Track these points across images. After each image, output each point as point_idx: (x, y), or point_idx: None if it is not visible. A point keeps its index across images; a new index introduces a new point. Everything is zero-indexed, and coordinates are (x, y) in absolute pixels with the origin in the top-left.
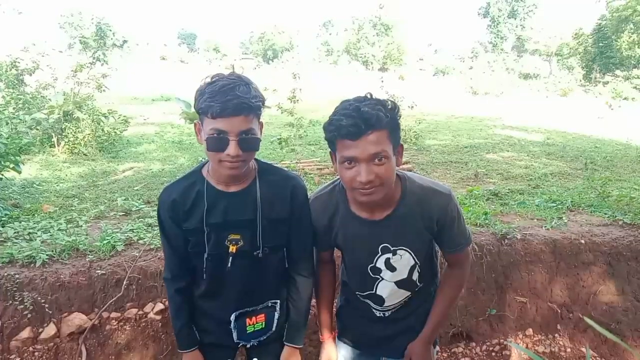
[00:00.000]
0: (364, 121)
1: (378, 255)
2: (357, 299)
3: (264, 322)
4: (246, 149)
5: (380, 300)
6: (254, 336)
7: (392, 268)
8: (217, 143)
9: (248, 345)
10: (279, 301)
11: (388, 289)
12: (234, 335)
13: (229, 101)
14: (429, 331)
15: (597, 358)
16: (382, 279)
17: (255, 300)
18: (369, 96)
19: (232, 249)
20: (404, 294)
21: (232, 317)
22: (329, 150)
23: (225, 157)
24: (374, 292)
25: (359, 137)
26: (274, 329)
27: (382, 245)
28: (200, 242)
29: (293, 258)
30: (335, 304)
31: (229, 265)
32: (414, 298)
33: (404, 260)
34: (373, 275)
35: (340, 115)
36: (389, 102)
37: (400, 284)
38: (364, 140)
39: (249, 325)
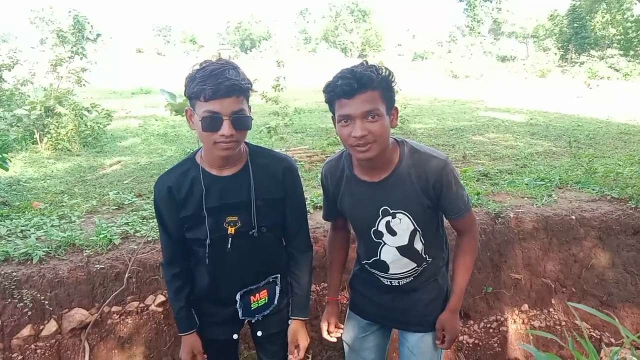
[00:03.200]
0: (356, 80)
1: (379, 218)
2: (367, 269)
3: (266, 298)
4: (239, 127)
5: (384, 266)
6: (258, 311)
7: (392, 232)
8: (211, 123)
9: (253, 321)
10: (279, 275)
11: (391, 255)
12: (240, 312)
13: (220, 83)
14: (455, 300)
15: (590, 330)
16: (385, 243)
17: (258, 278)
18: (364, 63)
19: (231, 230)
20: (408, 263)
21: (238, 297)
22: (331, 115)
23: (219, 137)
24: (378, 257)
25: (352, 95)
26: (275, 302)
27: (382, 208)
28: (199, 228)
29: (290, 235)
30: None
31: (229, 246)
32: (422, 272)
33: (403, 225)
34: (376, 240)
35: (337, 77)
36: (383, 68)
37: (402, 250)
38: (357, 99)
39: (254, 302)
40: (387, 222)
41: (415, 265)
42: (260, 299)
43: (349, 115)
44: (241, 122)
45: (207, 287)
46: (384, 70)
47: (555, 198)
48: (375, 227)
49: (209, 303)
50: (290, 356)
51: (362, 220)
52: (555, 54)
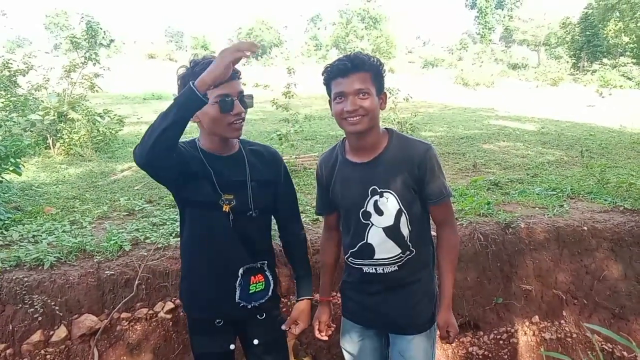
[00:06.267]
0: (350, 62)
1: (368, 198)
2: (353, 268)
3: (263, 283)
4: (246, 106)
5: (371, 251)
6: (255, 298)
7: (379, 211)
8: (227, 105)
9: (249, 306)
10: (266, 262)
11: (377, 237)
12: (237, 294)
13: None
14: (448, 296)
15: (603, 343)
16: (372, 224)
17: (253, 258)
18: (358, 52)
19: (225, 208)
20: (393, 247)
21: (241, 272)
22: (328, 99)
23: (232, 117)
24: (365, 241)
25: (347, 74)
26: (270, 293)
27: (371, 188)
28: (199, 190)
29: (284, 220)
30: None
31: (225, 223)
32: (406, 264)
33: (390, 204)
34: (364, 221)
35: (334, 61)
36: (375, 58)
37: (388, 232)
38: (350, 78)
39: (252, 284)
40: (375, 202)
41: (400, 252)
42: (258, 282)
43: (343, 92)
44: (247, 100)
45: (208, 258)
46: (375, 59)
47: (567, 208)
48: (364, 208)
49: (203, 289)
50: (284, 326)
51: (353, 202)
52: (567, 62)
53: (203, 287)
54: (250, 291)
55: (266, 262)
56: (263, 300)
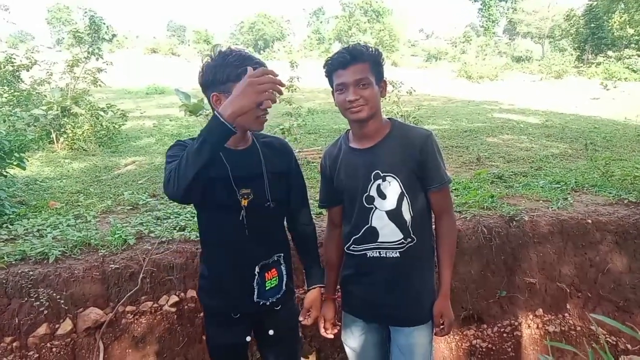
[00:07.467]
0: (349, 53)
1: (371, 182)
2: (354, 257)
3: (276, 278)
4: (274, 101)
5: (375, 234)
6: (271, 294)
7: (382, 195)
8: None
9: (268, 303)
10: (282, 254)
11: (381, 220)
12: (255, 293)
13: (257, 63)
14: (446, 285)
15: (607, 335)
16: (376, 207)
17: (268, 253)
18: (357, 44)
19: (244, 202)
20: (396, 231)
21: (257, 270)
22: (331, 91)
23: (261, 111)
24: (369, 224)
25: (346, 66)
26: (284, 287)
27: (374, 172)
28: (217, 193)
29: (294, 210)
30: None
31: (241, 218)
32: (408, 252)
33: (392, 187)
34: (368, 205)
35: (334, 54)
36: (373, 47)
37: (390, 215)
38: (350, 69)
39: (267, 280)
40: (378, 186)
41: (402, 237)
42: (272, 278)
43: (344, 83)
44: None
45: (225, 265)
46: (373, 49)
47: (571, 201)
48: (368, 193)
49: (223, 291)
50: (301, 317)
51: (357, 187)
52: (572, 54)
53: (223, 286)
54: (266, 288)
55: (282, 254)
56: (279, 296)
